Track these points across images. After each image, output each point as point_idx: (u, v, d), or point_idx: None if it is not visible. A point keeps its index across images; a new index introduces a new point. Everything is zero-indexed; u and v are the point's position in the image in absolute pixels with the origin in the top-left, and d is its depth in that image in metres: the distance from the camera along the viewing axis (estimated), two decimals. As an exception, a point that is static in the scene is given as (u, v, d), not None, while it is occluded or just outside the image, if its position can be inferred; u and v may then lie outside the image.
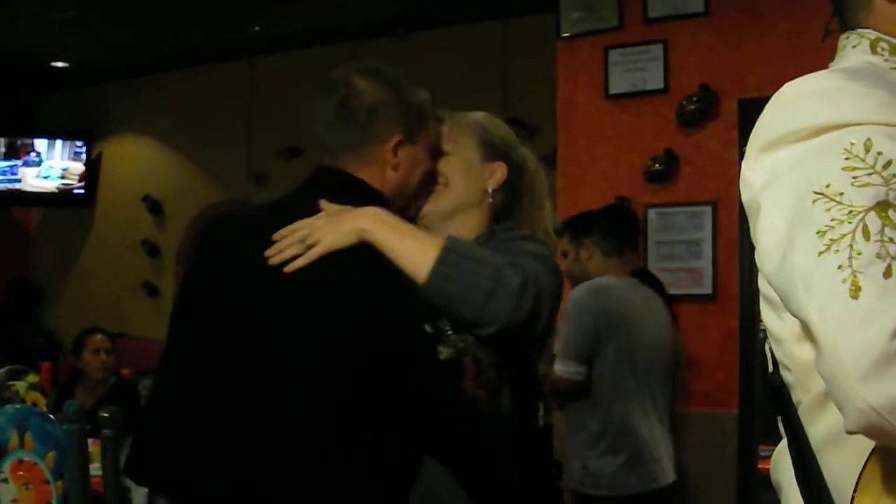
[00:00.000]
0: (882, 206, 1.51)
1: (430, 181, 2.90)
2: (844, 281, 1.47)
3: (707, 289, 6.32)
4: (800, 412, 1.73)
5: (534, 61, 8.42)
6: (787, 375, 1.76)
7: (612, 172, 6.62)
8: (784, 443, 1.80)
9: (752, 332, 6.14)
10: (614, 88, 6.67)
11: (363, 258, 2.49)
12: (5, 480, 4.47)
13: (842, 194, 1.53)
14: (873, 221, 1.49)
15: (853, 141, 1.56)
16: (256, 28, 9.81)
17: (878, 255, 1.47)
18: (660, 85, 6.53)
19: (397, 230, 2.53)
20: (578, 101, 6.80)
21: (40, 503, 4.39)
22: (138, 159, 11.89)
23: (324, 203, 2.61)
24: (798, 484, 1.72)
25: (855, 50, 1.83)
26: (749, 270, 6.20)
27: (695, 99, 6.35)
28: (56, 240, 12.51)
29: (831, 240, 1.51)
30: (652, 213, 6.49)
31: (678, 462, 5.46)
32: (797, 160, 1.63)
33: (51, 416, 4.64)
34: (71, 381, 7.35)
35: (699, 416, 6.26)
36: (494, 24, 9.33)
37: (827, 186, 1.55)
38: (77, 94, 12.12)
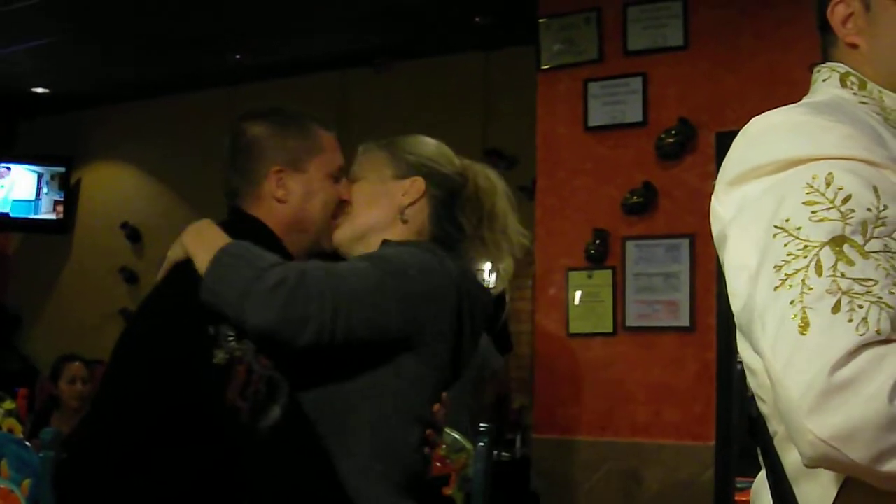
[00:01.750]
0: (837, 241, 1.54)
1: (339, 209, 2.90)
2: (795, 317, 1.51)
3: (684, 321, 6.32)
4: (775, 442, 1.76)
5: (514, 93, 8.45)
6: (762, 406, 1.78)
7: (590, 204, 6.63)
8: (763, 473, 1.81)
9: (729, 364, 6.15)
10: (594, 121, 6.69)
11: (177, 269, 2.68)
12: (-20, 507, 4.45)
13: (799, 229, 1.57)
14: (827, 256, 1.53)
15: (815, 174, 1.60)
16: (237, 57, 9.83)
17: (829, 291, 1.51)
18: (639, 118, 6.55)
19: (199, 239, 2.62)
20: (558, 133, 6.82)
21: (15, 531, 4.38)
22: (117, 186, 11.88)
23: None
24: None
25: (826, 83, 1.86)
26: (726, 302, 6.20)
27: (673, 132, 6.37)
28: (34, 266, 12.46)
29: (786, 274, 1.55)
30: (630, 245, 6.50)
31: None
32: (763, 194, 1.66)
33: (27, 443, 4.62)
34: (47, 408, 7.32)
35: (675, 448, 6.26)
36: (475, 55, 9.37)
37: (787, 220, 1.59)
38: (56, 120, 12.10)
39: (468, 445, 5.57)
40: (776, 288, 1.55)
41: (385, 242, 2.80)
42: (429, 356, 2.67)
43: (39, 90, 11.40)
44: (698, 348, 6.26)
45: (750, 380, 1.81)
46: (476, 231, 2.93)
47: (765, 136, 1.71)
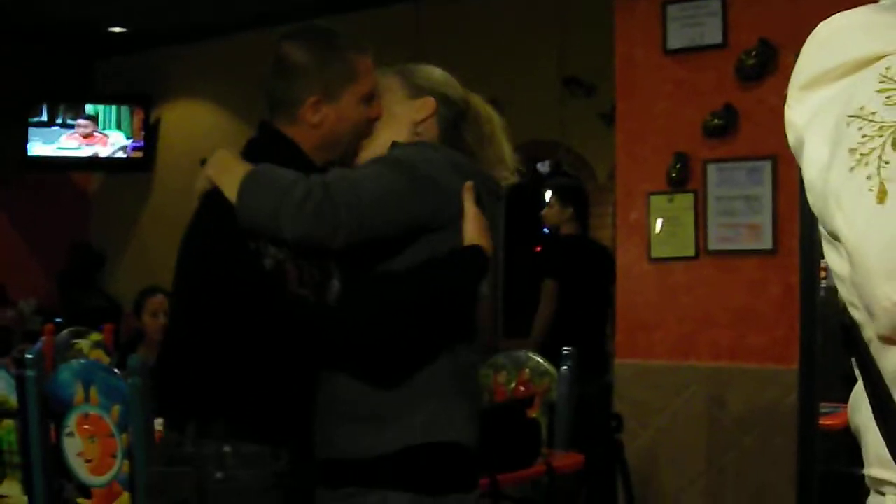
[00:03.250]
0: None
1: (366, 129, 3.10)
2: (871, 189, 1.49)
3: (767, 244, 6.27)
4: (871, 349, 1.70)
5: (590, 20, 8.40)
6: (855, 313, 1.72)
7: (671, 128, 6.58)
8: (859, 385, 1.76)
9: (812, 287, 6.09)
10: (672, 44, 6.61)
11: (208, 198, 2.95)
12: (71, 434, 4.53)
13: (874, 113, 1.55)
14: None
15: (889, 66, 1.58)
16: (314, -11, 9.83)
17: None
18: (718, 39, 6.46)
19: (224, 168, 2.90)
20: (636, 57, 6.76)
21: (106, 456, 4.45)
22: (197, 124, 11.96)
23: None
24: (875, 421, 1.70)
25: None
26: (810, 225, 6.16)
27: (754, 53, 6.29)
28: (115, 205, 12.61)
29: (861, 154, 1.53)
30: (711, 168, 6.44)
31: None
32: (836, 94, 1.65)
33: (115, 370, 4.69)
34: (133, 341, 7.41)
35: (758, 372, 6.24)
36: (550, -18, 9.32)
37: (861, 108, 1.57)
38: (134, 60, 12.20)
39: (551, 369, 5.60)
40: (852, 169, 1.53)
41: (393, 144, 3.06)
42: (451, 237, 2.91)
43: (116, 30, 11.49)
44: (781, 271, 6.21)
45: (839, 287, 1.75)
46: (479, 149, 3.19)
47: (834, 38, 1.70)
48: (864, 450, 1.76)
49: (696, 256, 6.48)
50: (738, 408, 6.29)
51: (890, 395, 1.65)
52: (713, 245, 6.44)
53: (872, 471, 1.72)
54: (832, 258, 1.73)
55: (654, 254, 6.61)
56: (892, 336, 1.52)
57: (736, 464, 6.27)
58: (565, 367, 5.43)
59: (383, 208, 2.78)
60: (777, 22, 6.29)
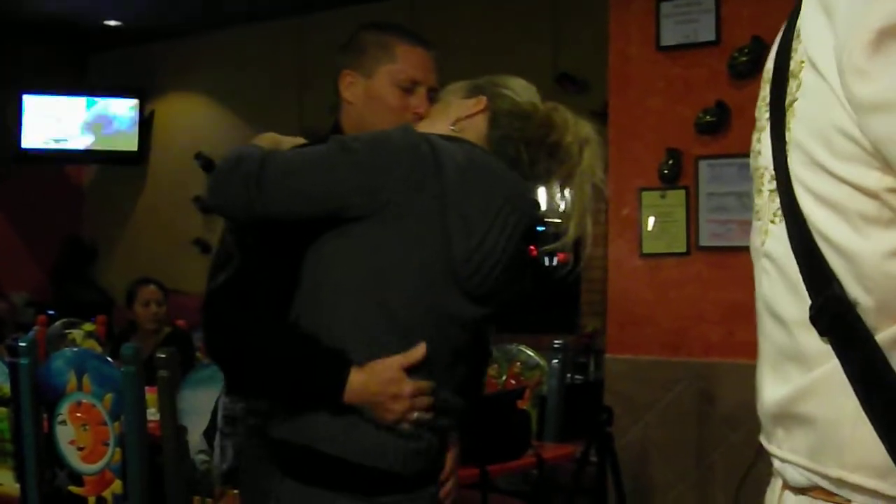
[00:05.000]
0: None
1: (402, 118, 2.95)
2: None
3: (758, 240, 6.29)
4: (879, 342, 1.49)
5: (584, 16, 8.41)
6: (864, 299, 1.51)
7: (663, 124, 6.60)
8: (823, 371, 1.56)
9: (802, 284, 6.12)
10: (666, 40, 6.62)
11: None
12: (63, 422, 4.55)
13: None
14: None
15: None
16: (308, -15, 9.85)
17: None
18: (711, 37, 6.48)
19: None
20: (630, 53, 6.77)
21: (98, 444, 4.47)
22: (190, 117, 11.97)
23: None
24: (867, 414, 1.48)
25: None
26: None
27: (746, 51, 6.30)
28: (109, 198, 12.61)
29: None
30: (703, 164, 6.45)
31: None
32: None
33: (108, 358, 4.71)
34: (126, 332, 7.41)
35: (748, 367, 6.22)
36: (545, -21, 9.34)
37: None
38: (129, 53, 12.20)
39: (542, 363, 5.62)
40: None
41: None
42: (391, 220, 2.62)
43: (112, 23, 11.49)
44: (771, 267, 6.23)
45: (845, 267, 1.52)
46: (535, 158, 2.85)
47: None
48: (833, 448, 1.56)
49: (688, 252, 6.49)
50: (728, 404, 6.31)
51: (886, 359, 1.48)
52: (704, 241, 6.45)
53: (854, 477, 1.52)
54: (846, 235, 1.54)
55: (646, 249, 6.62)
56: None
57: (725, 459, 6.29)
58: (556, 361, 5.45)
59: (293, 180, 2.64)
60: (770, 20, 6.26)
